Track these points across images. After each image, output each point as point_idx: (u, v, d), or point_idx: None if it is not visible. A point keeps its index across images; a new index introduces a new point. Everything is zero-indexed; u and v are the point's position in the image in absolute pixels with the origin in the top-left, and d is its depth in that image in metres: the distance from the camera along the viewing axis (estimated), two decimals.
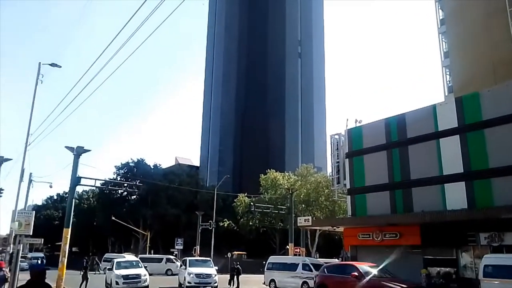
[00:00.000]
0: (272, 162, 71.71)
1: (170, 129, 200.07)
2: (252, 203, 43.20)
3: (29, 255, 52.10)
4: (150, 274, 38.89)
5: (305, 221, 30.30)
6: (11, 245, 19.30)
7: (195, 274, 24.33)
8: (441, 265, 20.97)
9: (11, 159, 27.87)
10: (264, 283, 26.98)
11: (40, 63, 22.24)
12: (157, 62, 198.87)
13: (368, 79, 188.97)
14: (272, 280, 26.11)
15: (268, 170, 57.06)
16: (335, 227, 29.88)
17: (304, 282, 23.74)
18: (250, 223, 54.37)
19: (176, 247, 51.19)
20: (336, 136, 29.03)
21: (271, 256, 28.72)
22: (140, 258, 44.22)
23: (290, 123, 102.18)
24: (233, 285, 27.39)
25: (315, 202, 49.48)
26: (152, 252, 52.24)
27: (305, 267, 24.34)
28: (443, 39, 30.99)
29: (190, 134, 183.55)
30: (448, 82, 30.33)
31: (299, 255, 33.12)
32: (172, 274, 38.81)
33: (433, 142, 22.08)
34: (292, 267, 25.20)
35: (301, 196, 48.76)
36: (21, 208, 23.67)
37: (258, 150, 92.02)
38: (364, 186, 25.22)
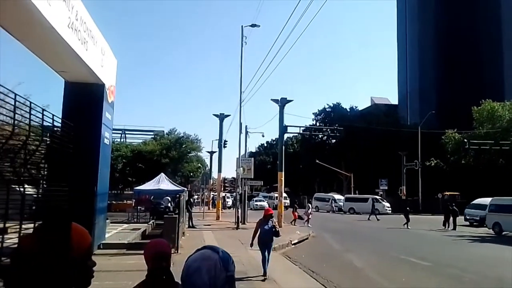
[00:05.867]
0: (486, 92, 61.96)
1: (364, 69, 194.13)
2: (465, 140, 38.81)
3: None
4: (357, 213, 40.70)
5: None
6: (240, 187, 23.06)
7: None
8: None
9: (230, 115, 32.53)
10: (485, 226, 24.39)
11: (242, 26, 24.15)
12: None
13: None
14: (497, 224, 23.29)
15: (482, 101, 49.74)
16: None
17: None
18: (463, 162, 49.16)
19: (381, 187, 51.11)
20: None
21: (494, 198, 25.38)
22: (346, 198, 46.41)
23: (509, 44, 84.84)
24: (448, 227, 25.75)
25: None
26: (357, 192, 53.50)
27: None
28: None
29: (385, 72, 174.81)
30: None
31: None
32: (379, 214, 38.80)
33: None
34: None
35: None
36: (242, 154, 27.52)
37: (467, 80, 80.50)
38: None
